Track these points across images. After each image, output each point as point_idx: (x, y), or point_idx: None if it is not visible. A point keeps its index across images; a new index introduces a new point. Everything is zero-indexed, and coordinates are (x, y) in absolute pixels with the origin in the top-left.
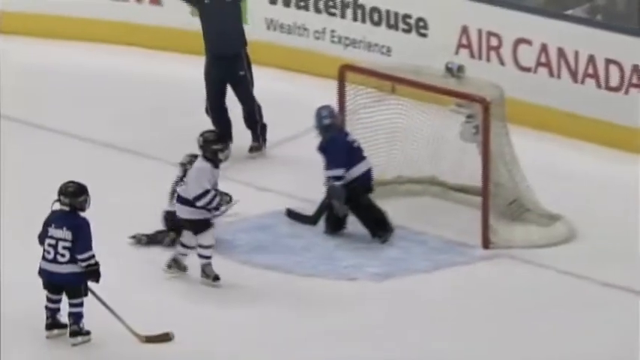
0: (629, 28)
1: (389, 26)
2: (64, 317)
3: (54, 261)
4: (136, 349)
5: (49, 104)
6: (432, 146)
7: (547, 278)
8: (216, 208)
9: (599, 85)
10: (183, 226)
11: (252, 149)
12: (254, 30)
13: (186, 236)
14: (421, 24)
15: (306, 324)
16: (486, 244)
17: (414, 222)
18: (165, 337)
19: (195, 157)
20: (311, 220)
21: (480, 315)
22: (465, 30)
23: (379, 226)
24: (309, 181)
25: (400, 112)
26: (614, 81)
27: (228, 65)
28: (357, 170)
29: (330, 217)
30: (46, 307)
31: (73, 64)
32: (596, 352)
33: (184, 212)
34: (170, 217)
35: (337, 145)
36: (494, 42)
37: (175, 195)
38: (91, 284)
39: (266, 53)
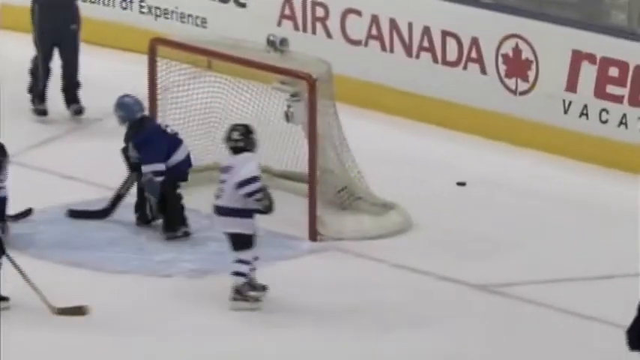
0: None
1: None
2: None
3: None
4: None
5: None
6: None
7: (380, 272)
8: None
9: (435, 60)
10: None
11: (79, 111)
12: None
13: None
14: None
15: (112, 326)
16: (314, 236)
17: None
18: (79, 311)
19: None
20: (101, 215)
21: (308, 313)
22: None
23: (177, 221)
24: (118, 168)
25: (217, 90)
26: (451, 55)
27: (59, 16)
28: (176, 158)
29: (141, 206)
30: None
31: None
32: (433, 348)
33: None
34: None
35: (154, 138)
36: (320, 12)
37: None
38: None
39: None
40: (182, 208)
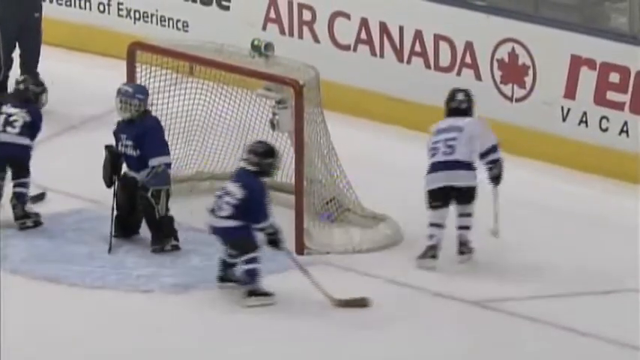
0: (458, 0)
1: None
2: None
3: (213, 213)
4: None
5: None
6: (237, 137)
7: (370, 288)
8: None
9: (427, 65)
10: None
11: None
12: None
13: None
14: None
15: (92, 344)
16: (301, 249)
17: None
18: (361, 302)
19: None
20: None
21: (292, 330)
22: (273, 2)
23: (167, 233)
24: (95, 178)
25: (200, 97)
26: (444, 60)
27: (23, 3)
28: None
29: (120, 218)
30: (220, 259)
31: None
32: None
33: None
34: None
35: (160, 129)
36: (307, 16)
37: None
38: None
39: (44, 29)
40: (172, 219)
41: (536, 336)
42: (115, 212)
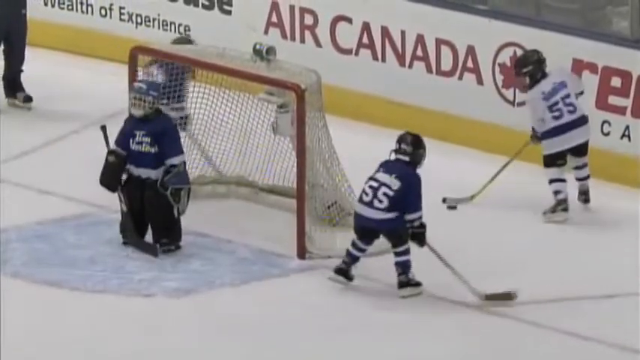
0: (458, 4)
1: (187, 2)
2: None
3: (370, 205)
4: None
5: None
6: (239, 141)
7: (372, 291)
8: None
9: (429, 70)
10: None
11: (29, 99)
12: (29, 6)
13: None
14: None
15: (94, 349)
16: (302, 253)
17: (219, 228)
18: (508, 296)
19: None
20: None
21: (294, 334)
22: (275, 6)
23: (175, 233)
24: (96, 182)
25: (202, 101)
26: (446, 65)
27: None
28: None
29: (127, 222)
30: (348, 252)
31: None
32: None
33: None
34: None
35: (175, 129)
36: (308, 20)
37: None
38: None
39: (44, 33)
40: (179, 220)
41: (539, 341)
42: (126, 214)
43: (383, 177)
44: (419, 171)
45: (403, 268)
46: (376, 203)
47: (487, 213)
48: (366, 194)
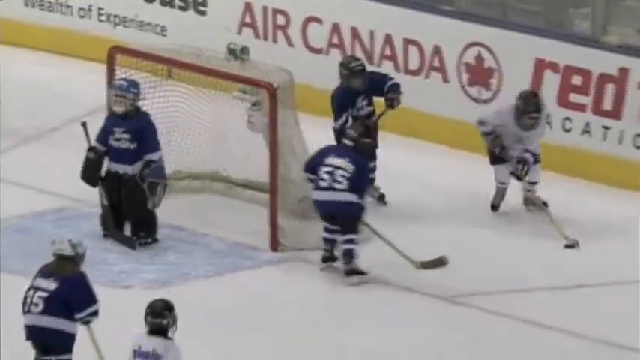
0: (425, 5)
1: (163, 3)
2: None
3: (329, 189)
4: None
5: None
6: (214, 137)
7: (342, 284)
8: None
9: (397, 68)
10: None
11: None
12: (9, 7)
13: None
14: (199, 0)
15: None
16: (275, 246)
17: (194, 222)
18: (441, 262)
19: None
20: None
21: (267, 325)
22: (248, 7)
23: (151, 227)
24: (76, 177)
25: (178, 99)
26: (413, 64)
27: None
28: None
29: (107, 215)
30: (323, 238)
31: None
32: (398, 358)
33: None
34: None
35: (153, 125)
36: (281, 20)
37: None
38: None
39: (24, 34)
40: (155, 214)
41: (505, 330)
42: (106, 207)
43: (337, 161)
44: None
45: (350, 256)
46: (336, 185)
47: (454, 204)
48: (324, 180)
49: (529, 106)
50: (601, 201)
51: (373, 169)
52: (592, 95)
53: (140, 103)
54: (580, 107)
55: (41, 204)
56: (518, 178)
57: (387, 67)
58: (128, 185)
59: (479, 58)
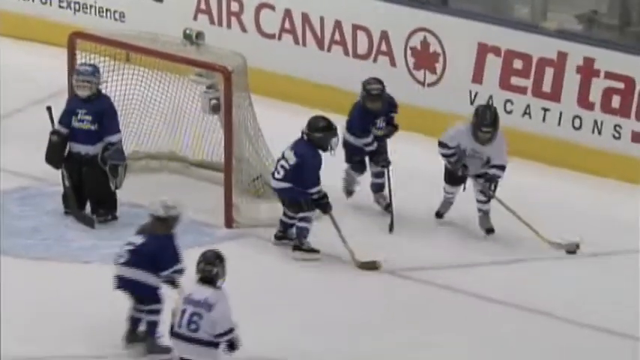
0: None
1: None
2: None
3: (273, 176)
4: None
5: None
6: (171, 119)
7: (294, 261)
8: None
9: (346, 53)
10: None
11: None
12: None
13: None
14: None
15: (32, 314)
16: (230, 223)
17: (152, 200)
18: (374, 265)
19: None
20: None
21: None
22: None
23: (111, 204)
24: (38, 157)
25: (136, 82)
26: (362, 48)
27: None
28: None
29: (69, 195)
30: (280, 220)
31: None
32: (345, 329)
33: None
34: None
35: (113, 108)
36: (234, 7)
37: None
38: None
39: None
40: (115, 192)
41: (449, 303)
42: (68, 187)
43: (286, 152)
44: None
45: (299, 234)
46: (275, 174)
47: (405, 185)
48: (275, 168)
49: (483, 120)
50: (539, 180)
51: (377, 176)
52: (532, 78)
53: (100, 87)
54: (521, 90)
55: (4, 183)
56: (489, 197)
57: (336, 52)
58: (89, 165)
59: (424, 43)
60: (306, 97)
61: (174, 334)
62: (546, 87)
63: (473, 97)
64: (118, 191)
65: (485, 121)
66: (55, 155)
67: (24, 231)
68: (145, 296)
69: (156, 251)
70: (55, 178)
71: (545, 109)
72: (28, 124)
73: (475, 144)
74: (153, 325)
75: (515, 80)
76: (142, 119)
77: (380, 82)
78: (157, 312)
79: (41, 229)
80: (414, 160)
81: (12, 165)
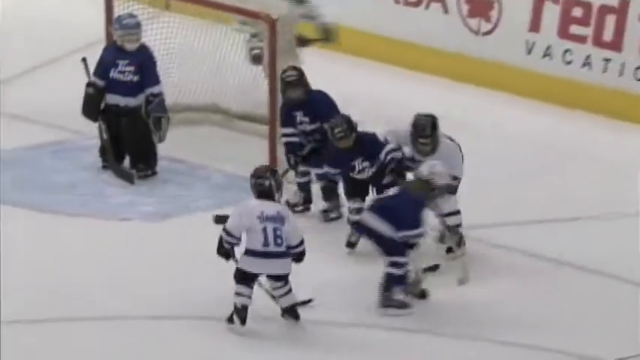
0: None
1: None
2: None
3: None
4: None
5: None
6: (212, 70)
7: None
8: None
9: (397, 1)
10: None
11: None
12: None
13: None
14: None
15: (69, 271)
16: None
17: (193, 154)
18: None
19: None
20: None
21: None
22: None
23: (152, 159)
24: (75, 110)
25: (176, 31)
26: None
27: None
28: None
29: (107, 148)
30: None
31: None
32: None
33: None
34: None
35: (155, 57)
36: None
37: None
38: None
39: None
40: (155, 146)
41: (505, 262)
42: (106, 140)
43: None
44: None
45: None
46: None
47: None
48: None
49: (421, 132)
50: (601, 133)
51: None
52: (593, 27)
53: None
54: (581, 39)
55: (40, 136)
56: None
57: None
58: (129, 117)
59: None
60: (356, 46)
61: (259, 253)
62: (607, 36)
63: (530, 47)
64: (157, 145)
65: (423, 132)
66: (91, 108)
67: (60, 186)
68: (387, 248)
69: (400, 208)
70: (92, 131)
71: (607, 60)
72: (64, 75)
73: (416, 154)
74: (392, 279)
75: (574, 29)
76: (182, 69)
77: (298, 69)
78: (399, 265)
79: (78, 184)
80: (477, 114)
81: (47, 118)
